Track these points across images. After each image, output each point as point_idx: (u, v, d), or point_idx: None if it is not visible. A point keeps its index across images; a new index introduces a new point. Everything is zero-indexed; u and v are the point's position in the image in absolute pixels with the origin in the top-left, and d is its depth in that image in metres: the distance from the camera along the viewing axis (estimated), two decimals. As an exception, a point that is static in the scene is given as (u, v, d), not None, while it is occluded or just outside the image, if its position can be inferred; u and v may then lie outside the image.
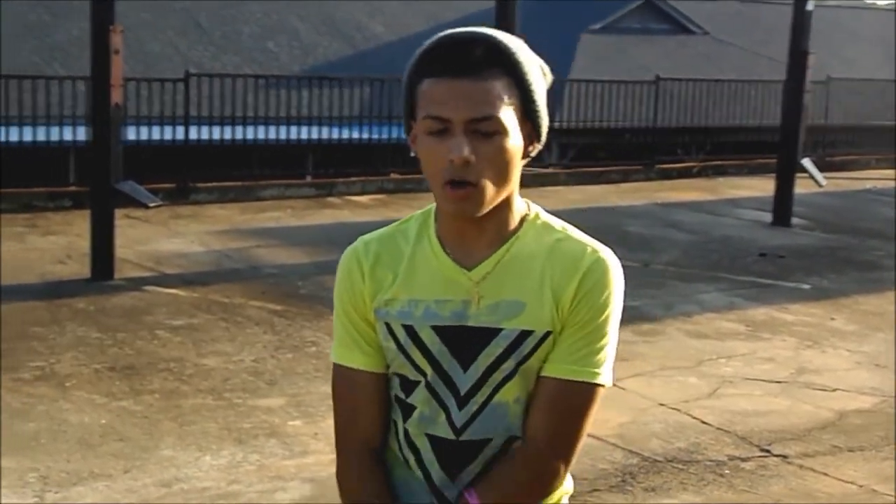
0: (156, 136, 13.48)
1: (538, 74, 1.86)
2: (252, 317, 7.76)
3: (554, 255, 1.90)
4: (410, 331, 1.89)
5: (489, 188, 1.81)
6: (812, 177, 13.29)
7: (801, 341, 7.72)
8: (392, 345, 1.91)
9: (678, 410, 6.16)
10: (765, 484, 5.21)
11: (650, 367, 6.95)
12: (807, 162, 13.21)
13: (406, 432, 1.94)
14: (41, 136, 12.82)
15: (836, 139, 19.64)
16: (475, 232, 1.88)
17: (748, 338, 7.77)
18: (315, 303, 8.10)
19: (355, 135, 15.03)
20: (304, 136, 14.69)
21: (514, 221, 1.91)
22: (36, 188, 12.19)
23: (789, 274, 9.98)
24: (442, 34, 1.83)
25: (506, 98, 1.79)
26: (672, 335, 7.75)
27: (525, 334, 1.86)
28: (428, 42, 1.83)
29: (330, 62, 21.77)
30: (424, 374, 1.90)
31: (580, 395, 1.89)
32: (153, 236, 10.62)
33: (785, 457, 5.54)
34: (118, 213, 9.21)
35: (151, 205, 9.61)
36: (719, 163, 17.82)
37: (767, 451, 5.61)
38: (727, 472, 5.33)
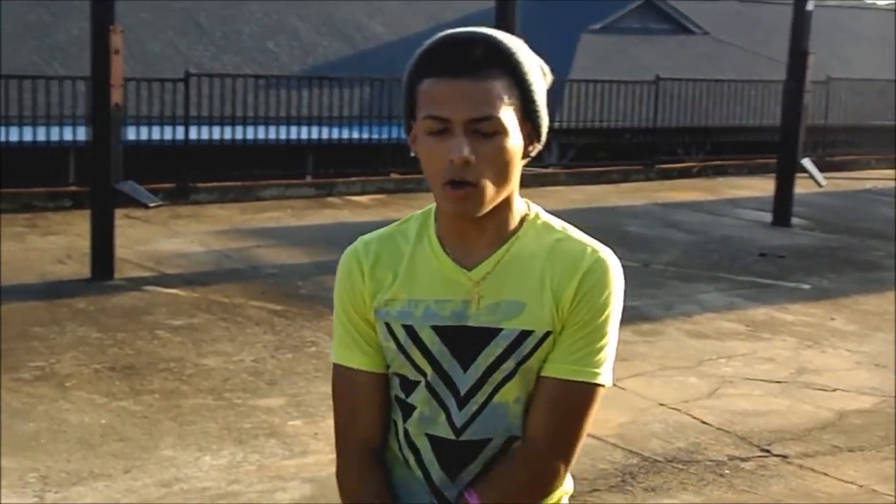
0: (156, 136, 13.48)
1: (538, 74, 1.86)
2: (252, 317, 7.76)
3: (554, 255, 1.90)
4: (410, 331, 1.89)
5: (489, 188, 1.81)
6: (812, 177, 13.29)
7: (801, 341, 7.72)
8: (392, 345, 1.91)
9: (678, 410, 6.16)
10: (765, 484, 5.21)
11: (650, 367, 6.95)
12: (807, 162, 13.21)
13: (406, 432, 1.94)
14: (41, 136, 12.82)
15: (836, 139, 19.64)
16: (475, 232, 1.88)
17: (748, 338, 7.77)
18: (315, 303, 8.10)
19: (355, 135, 15.04)
20: (304, 136, 14.69)
21: (514, 221, 1.92)
22: (36, 188, 12.19)
23: (789, 274, 9.98)
24: (442, 34, 1.83)
25: (506, 98, 1.79)
26: (672, 335, 7.76)
27: (525, 334, 1.86)
28: (428, 42, 1.82)
29: (330, 62, 21.78)
30: (424, 374, 1.90)
31: (580, 395, 1.89)
32: (153, 236, 10.62)
33: (785, 457, 5.54)
34: (118, 213, 9.21)
35: (151, 205, 9.61)
36: (719, 163, 17.82)
37: (767, 451, 5.61)
38: (727, 472, 5.33)
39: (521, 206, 1.94)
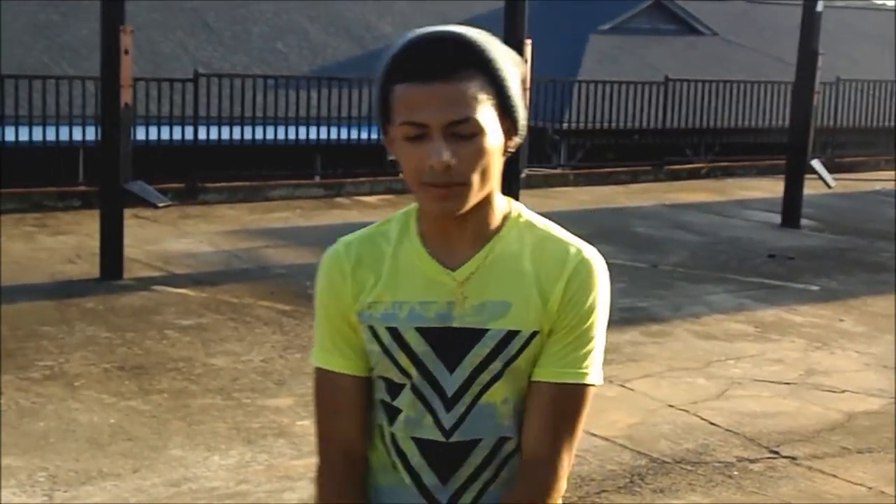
0: (165, 136, 13.50)
1: (511, 68, 1.84)
2: (261, 317, 7.77)
3: (538, 254, 1.89)
4: (395, 333, 1.87)
5: (471, 186, 1.79)
6: (821, 178, 13.26)
7: (810, 343, 7.71)
8: (376, 348, 1.89)
9: (687, 411, 6.16)
10: (773, 485, 5.21)
11: (659, 369, 6.94)
12: (816, 163, 13.19)
13: (393, 436, 1.93)
14: (51, 136, 12.84)
15: (845, 140, 19.59)
16: (457, 231, 1.87)
17: (757, 339, 7.76)
18: (323, 303, 8.09)
19: (364, 135, 15.03)
20: (312, 136, 14.69)
21: (497, 220, 1.90)
22: (45, 188, 12.22)
23: (798, 275, 9.96)
24: (411, 36, 1.80)
25: (481, 97, 1.78)
26: (680, 336, 7.75)
27: (512, 334, 1.85)
28: (397, 45, 1.80)
29: (339, 62, 21.80)
30: (409, 377, 1.89)
31: (574, 397, 1.88)
32: (162, 236, 10.63)
33: (794, 458, 5.54)
34: (127, 212, 9.23)
35: (160, 205, 9.62)
36: (728, 164, 17.79)
37: (776, 452, 5.61)
38: (736, 473, 5.32)
39: (503, 205, 1.92)
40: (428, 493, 1.92)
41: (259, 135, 14.10)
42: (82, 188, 12.69)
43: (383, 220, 1.97)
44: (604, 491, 5.04)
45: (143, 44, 17.27)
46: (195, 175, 12.96)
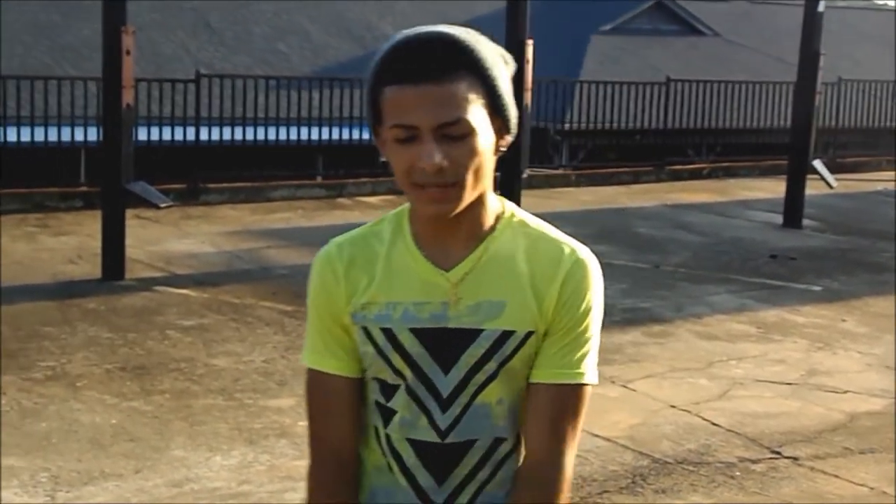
0: (167, 136, 13.51)
1: (501, 67, 1.83)
2: (262, 317, 7.78)
3: (532, 254, 1.88)
4: (389, 334, 1.87)
5: (464, 187, 1.79)
6: (823, 178, 13.26)
7: (812, 343, 7.71)
8: (370, 349, 1.88)
9: (688, 412, 6.16)
10: (775, 486, 5.20)
11: (660, 369, 6.94)
12: (818, 163, 13.18)
13: (388, 438, 1.92)
14: (52, 137, 12.85)
15: (846, 141, 19.60)
16: (451, 231, 1.86)
17: (759, 339, 7.76)
18: (325, 303, 8.09)
19: (365, 136, 14.95)
20: (314, 136, 14.70)
21: (490, 220, 1.89)
22: (47, 188, 12.22)
23: (800, 276, 9.96)
24: (399, 37, 1.79)
25: (472, 97, 1.77)
26: (682, 337, 7.75)
27: (507, 335, 1.85)
28: (386, 47, 1.79)
29: (340, 63, 21.81)
30: (404, 378, 1.88)
31: (573, 398, 1.88)
32: (164, 237, 10.64)
33: (795, 459, 5.54)
34: (129, 213, 9.23)
35: (162, 205, 9.63)
36: (730, 164, 17.79)
37: (778, 452, 5.61)
38: (737, 473, 5.32)
39: (496, 204, 1.91)
40: (424, 494, 1.92)
41: (261, 135, 14.11)
42: (84, 189, 12.70)
43: (376, 220, 1.97)
44: (606, 491, 5.04)
45: (144, 44, 17.28)
46: (197, 175, 12.97)
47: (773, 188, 14.77)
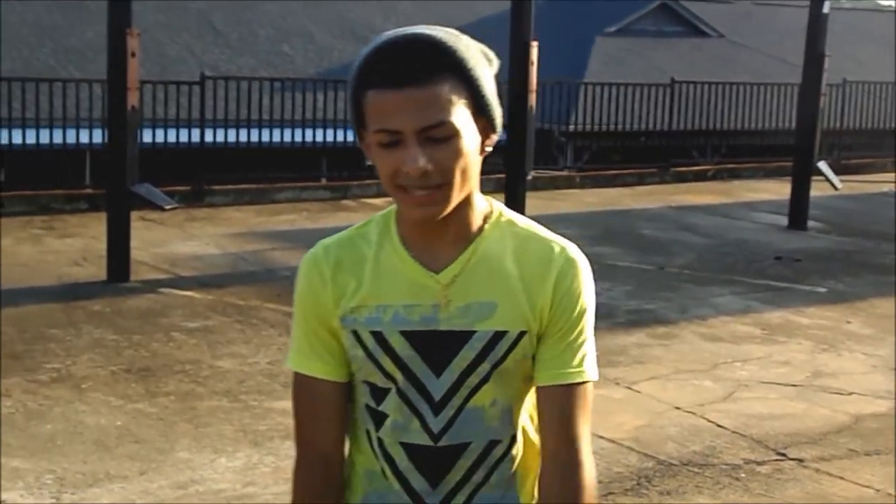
0: (171, 138, 13.51)
1: (484, 66, 1.81)
2: (267, 319, 7.78)
3: (522, 254, 1.88)
4: (379, 337, 1.86)
5: (450, 189, 1.78)
6: (828, 180, 13.25)
7: (817, 345, 7.70)
8: (360, 353, 1.87)
9: (693, 414, 6.15)
10: (781, 488, 5.20)
11: (665, 371, 6.94)
12: (822, 165, 13.17)
13: (380, 441, 1.92)
14: (58, 139, 12.86)
15: (851, 142, 19.58)
16: (439, 233, 1.85)
17: (763, 341, 7.75)
18: (330, 305, 8.10)
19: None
20: (318, 138, 14.71)
21: (478, 220, 1.88)
22: (52, 190, 12.24)
23: (805, 277, 9.95)
24: (380, 40, 1.78)
25: (454, 99, 1.75)
26: (687, 338, 7.74)
27: (499, 335, 1.85)
28: (366, 50, 1.78)
29: (345, 65, 21.78)
30: (395, 381, 1.87)
31: (580, 395, 1.88)
32: (169, 238, 10.65)
33: (801, 460, 5.53)
34: (134, 215, 9.24)
35: (167, 207, 9.64)
36: (734, 166, 17.78)
37: (783, 454, 5.60)
38: (743, 475, 5.32)
39: (483, 205, 1.90)
40: (418, 497, 1.91)
41: (265, 137, 14.12)
42: (89, 191, 12.72)
43: (363, 222, 1.96)
44: (611, 493, 5.04)
45: (149, 46, 17.31)
46: (202, 177, 12.99)
47: (778, 190, 14.76)
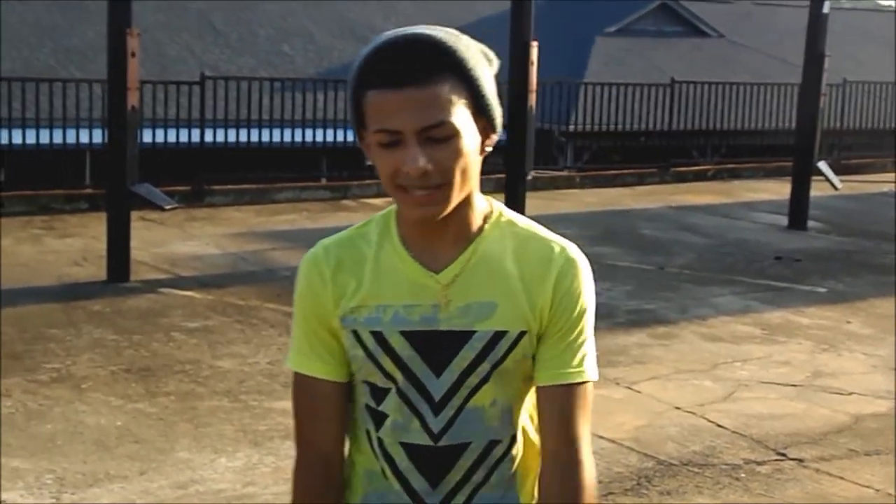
0: (171, 138, 13.52)
1: (483, 66, 1.81)
2: (267, 319, 7.78)
3: (522, 254, 1.88)
4: (379, 337, 1.86)
5: (450, 189, 1.78)
6: (828, 180, 13.25)
7: (817, 345, 7.70)
8: (360, 352, 1.87)
9: (693, 414, 6.15)
10: (781, 488, 5.20)
11: (665, 371, 6.94)
12: (823, 165, 13.17)
13: (380, 441, 1.92)
14: (58, 139, 12.86)
15: (851, 142, 19.58)
16: (439, 233, 1.85)
17: (763, 341, 7.75)
18: (330, 305, 8.10)
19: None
20: (318, 138, 14.72)
21: (478, 220, 1.88)
22: (52, 190, 12.25)
23: (805, 277, 9.95)
24: (380, 40, 1.78)
25: (454, 99, 1.75)
26: (687, 338, 7.74)
27: (499, 335, 1.85)
28: (366, 50, 1.78)
29: (345, 65, 21.77)
30: (395, 381, 1.87)
31: (581, 395, 1.88)
32: (169, 238, 10.65)
33: (801, 460, 5.53)
34: (134, 215, 9.24)
35: (167, 207, 9.64)
36: (734, 166, 17.78)
37: (783, 454, 5.60)
38: (743, 475, 5.32)
39: (483, 205, 1.90)
40: (417, 497, 1.91)
41: (265, 137, 14.12)
42: (89, 191, 12.72)
43: (363, 221, 1.96)
44: (610, 493, 5.04)
45: (149, 46, 17.31)
46: (202, 177, 12.99)
47: (778, 190, 14.76)
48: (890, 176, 17.74)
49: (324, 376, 1.91)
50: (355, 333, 1.87)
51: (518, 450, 1.94)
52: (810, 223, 12.70)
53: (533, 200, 10.90)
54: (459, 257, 1.87)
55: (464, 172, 1.78)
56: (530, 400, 1.95)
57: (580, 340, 1.88)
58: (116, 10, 8.71)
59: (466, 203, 1.85)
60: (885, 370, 7.17)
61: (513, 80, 10.63)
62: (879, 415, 6.29)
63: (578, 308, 1.87)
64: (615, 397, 6.31)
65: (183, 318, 7.76)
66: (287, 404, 6.10)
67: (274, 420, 5.78)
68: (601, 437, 5.59)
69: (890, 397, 6.59)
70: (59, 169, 12.79)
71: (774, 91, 18.61)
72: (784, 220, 12.82)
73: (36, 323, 7.47)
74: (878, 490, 5.22)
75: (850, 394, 6.63)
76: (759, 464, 5.47)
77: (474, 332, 1.85)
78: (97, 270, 8.98)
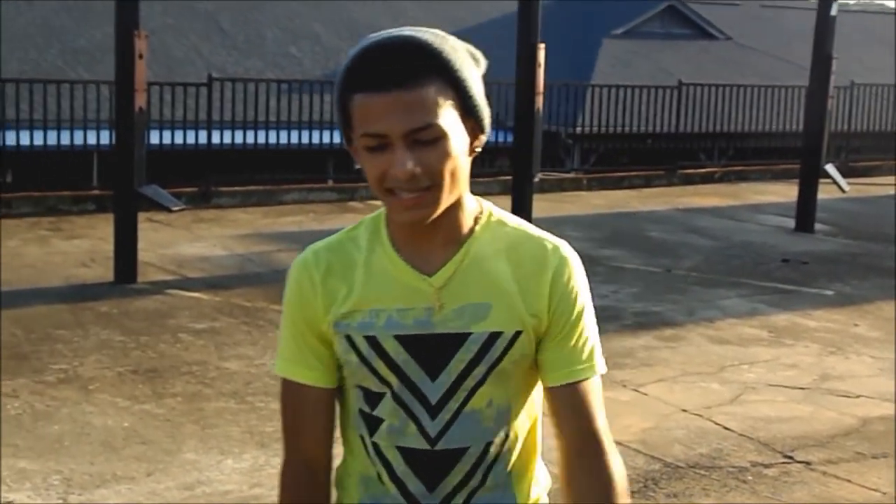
0: (179, 140, 13.55)
1: (470, 67, 1.80)
2: (274, 320, 7.78)
3: (514, 253, 1.87)
4: (373, 342, 1.84)
5: (439, 191, 1.77)
6: (835, 182, 13.23)
7: (824, 347, 7.69)
8: (354, 357, 1.86)
9: (700, 416, 6.14)
10: (788, 490, 5.19)
11: (672, 373, 6.93)
12: (830, 167, 13.16)
13: (375, 446, 1.90)
14: (65, 140, 12.89)
15: (859, 145, 19.56)
16: (429, 235, 1.84)
17: (771, 344, 7.74)
18: (337, 307, 8.10)
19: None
20: (325, 140, 14.73)
21: (469, 222, 1.87)
22: (60, 192, 12.27)
23: (812, 280, 9.94)
24: (366, 43, 1.77)
25: (441, 101, 1.74)
26: (694, 341, 7.73)
27: (495, 336, 1.84)
28: (353, 52, 1.77)
29: (352, 67, 21.80)
30: (390, 386, 1.86)
31: (594, 390, 1.89)
32: (176, 240, 10.66)
33: (808, 463, 5.52)
34: (141, 216, 9.26)
35: (174, 208, 9.65)
36: (742, 168, 17.77)
37: (790, 457, 5.59)
38: (750, 478, 5.31)
39: (474, 206, 1.89)
40: (414, 501, 1.91)
41: (272, 139, 14.14)
42: (97, 192, 12.75)
43: (352, 225, 1.95)
44: (617, 496, 5.02)
45: (157, 48, 17.32)
46: (209, 179, 13.00)
47: (785, 192, 14.74)
48: (897, 178, 17.72)
49: (311, 382, 1.90)
50: (349, 338, 1.86)
51: (512, 450, 1.93)
52: (817, 226, 12.68)
53: (540, 203, 10.90)
54: (452, 259, 1.86)
55: (452, 174, 1.77)
56: (529, 400, 1.94)
57: (584, 336, 1.88)
58: (124, 11, 8.73)
59: (457, 204, 1.84)
60: (893, 373, 7.15)
61: (520, 82, 10.62)
62: (887, 418, 6.27)
63: (577, 307, 1.87)
64: (622, 399, 6.31)
65: (190, 319, 7.77)
66: (294, 406, 6.09)
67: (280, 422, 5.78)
68: (608, 440, 5.58)
69: (897, 400, 6.58)
70: (66, 170, 12.82)
71: (782, 93, 18.59)
72: (791, 223, 12.80)
73: (43, 324, 7.48)
74: (885, 493, 5.21)
75: (858, 397, 6.62)
76: (766, 466, 5.46)
77: (470, 333, 1.84)
78: (104, 272, 9.00)
